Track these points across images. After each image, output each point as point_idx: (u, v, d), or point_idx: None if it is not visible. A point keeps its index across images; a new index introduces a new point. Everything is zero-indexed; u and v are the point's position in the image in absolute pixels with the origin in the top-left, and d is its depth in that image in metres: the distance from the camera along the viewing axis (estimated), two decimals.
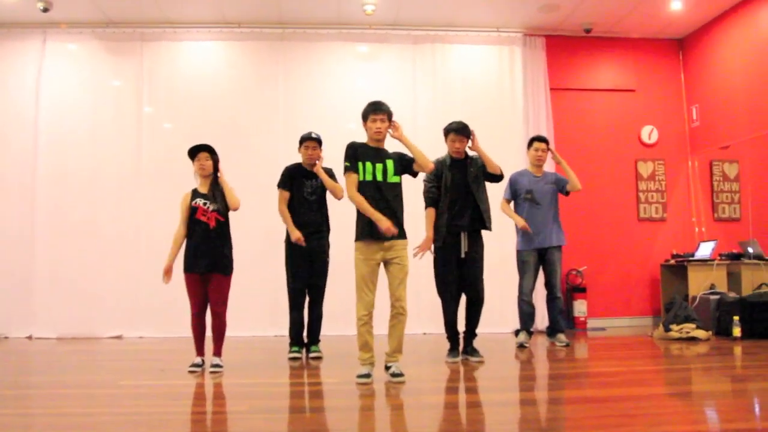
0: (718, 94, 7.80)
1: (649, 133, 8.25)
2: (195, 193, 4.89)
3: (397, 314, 4.29)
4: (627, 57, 8.34)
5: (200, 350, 4.87)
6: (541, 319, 7.24)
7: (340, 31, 7.80)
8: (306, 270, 5.41)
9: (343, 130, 7.05)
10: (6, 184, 7.30)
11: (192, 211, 4.82)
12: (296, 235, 5.29)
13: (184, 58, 7.68)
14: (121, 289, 7.19)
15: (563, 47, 8.17)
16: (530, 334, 6.17)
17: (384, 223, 4.17)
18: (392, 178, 4.35)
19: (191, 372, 4.69)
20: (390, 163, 4.36)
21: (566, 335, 6.22)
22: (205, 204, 4.81)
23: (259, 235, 6.80)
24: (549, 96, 7.92)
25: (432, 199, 5.18)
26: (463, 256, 5.13)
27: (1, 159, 7.34)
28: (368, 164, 4.31)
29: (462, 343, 5.29)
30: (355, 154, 4.34)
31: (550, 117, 7.87)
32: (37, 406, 3.84)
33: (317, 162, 5.41)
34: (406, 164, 4.43)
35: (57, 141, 7.36)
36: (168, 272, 4.74)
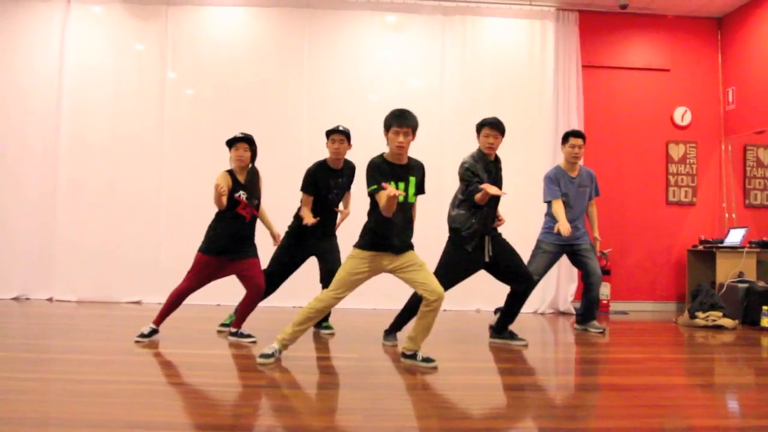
0: (757, 77, 7.52)
1: (682, 115, 8.01)
2: (236, 183, 4.71)
3: (434, 301, 3.95)
4: (662, 35, 8.07)
5: (161, 320, 4.87)
6: (563, 301, 7.23)
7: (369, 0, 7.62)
8: (292, 266, 5.22)
9: (367, 101, 6.93)
10: (29, 146, 7.27)
11: (233, 203, 4.70)
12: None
13: (208, 22, 7.54)
14: (141, 254, 7.18)
15: (597, 23, 7.92)
16: None
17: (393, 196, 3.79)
18: (411, 198, 4.07)
19: (137, 342, 4.66)
20: (413, 182, 4.06)
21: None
22: (248, 199, 4.73)
23: (282, 207, 6.70)
24: (580, 73, 7.68)
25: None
26: (486, 260, 4.74)
27: (24, 122, 7.29)
28: (391, 184, 3.90)
29: (501, 324, 5.07)
30: (379, 174, 3.92)
31: (580, 94, 7.64)
32: (53, 371, 3.82)
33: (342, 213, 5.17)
34: (420, 186, 4.16)
35: (80, 105, 7.31)
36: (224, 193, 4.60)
